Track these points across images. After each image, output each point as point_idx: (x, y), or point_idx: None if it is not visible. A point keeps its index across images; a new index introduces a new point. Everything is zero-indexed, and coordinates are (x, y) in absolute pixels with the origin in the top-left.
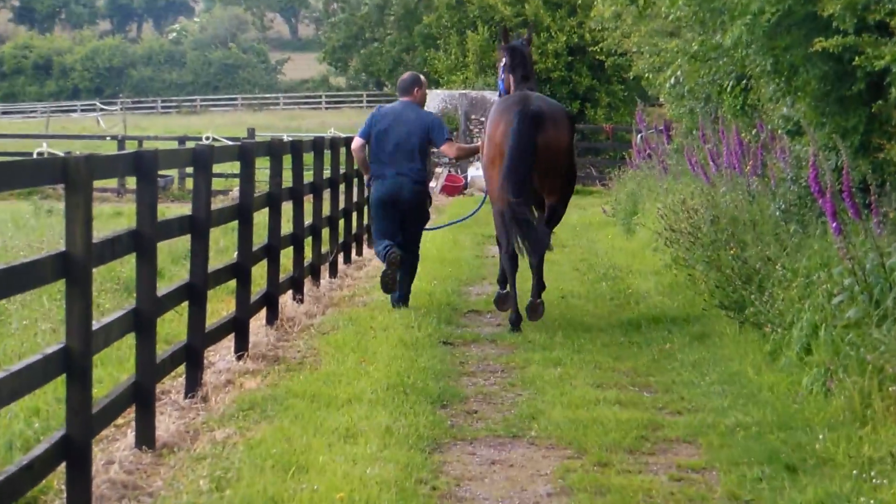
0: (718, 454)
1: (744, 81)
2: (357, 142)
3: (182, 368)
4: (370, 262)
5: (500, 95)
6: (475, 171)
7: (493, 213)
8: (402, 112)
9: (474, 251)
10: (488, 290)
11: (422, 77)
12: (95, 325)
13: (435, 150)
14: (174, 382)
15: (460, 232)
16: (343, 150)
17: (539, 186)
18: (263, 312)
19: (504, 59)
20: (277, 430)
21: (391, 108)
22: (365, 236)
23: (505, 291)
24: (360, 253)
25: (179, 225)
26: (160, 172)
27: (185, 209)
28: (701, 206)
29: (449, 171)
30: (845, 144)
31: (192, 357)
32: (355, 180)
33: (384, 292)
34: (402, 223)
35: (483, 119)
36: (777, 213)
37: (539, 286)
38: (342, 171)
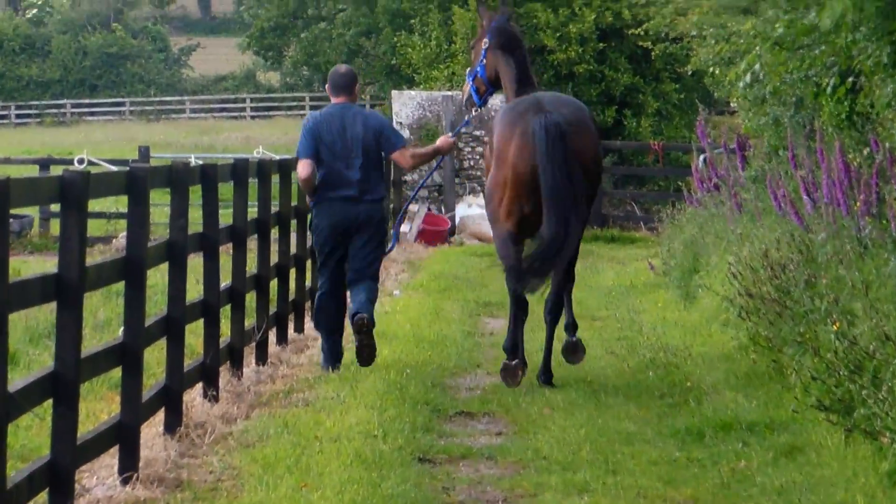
0: None
1: (850, 79)
2: (306, 166)
3: (44, 496)
4: (315, 342)
5: (472, 82)
6: (466, 210)
7: (494, 240)
8: (344, 117)
9: (465, 326)
10: (484, 381)
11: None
12: None
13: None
14: None
15: (446, 299)
16: (277, 179)
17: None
18: (161, 415)
19: (490, 42)
20: None
21: (328, 113)
22: (308, 304)
23: (514, 362)
24: (300, 329)
25: (41, 288)
26: (13, 211)
27: (49, 264)
28: (791, 261)
29: (428, 210)
30: None
31: (58, 479)
32: (293, 222)
33: (361, 365)
34: (356, 248)
35: (480, 133)
36: None
37: (572, 323)
38: (275, 209)
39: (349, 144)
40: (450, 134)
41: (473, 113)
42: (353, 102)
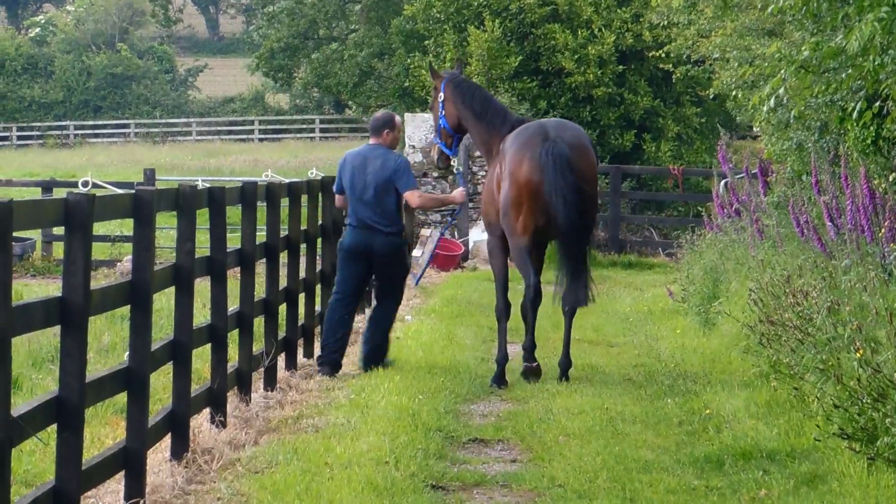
0: None
1: (877, 104)
2: (338, 200)
3: None
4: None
5: (441, 138)
6: (480, 235)
7: (512, 256)
8: (367, 157)
9: (478, 352)
10: (499, 408)
11: (397, 118)
12: None
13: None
14: None
15: (459, 325)
16: (286, 202)
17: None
18: (167, 441)
19: (445, 94)
20: None
21: (356, 153)
22: (318, 329)
23: (535, 364)
24: (309, 354)
25: (44, 311)
26: (16, 234)
27: (52, 288)
28: (813, 288)
29: (441, 235)
30: None
31: None
32: (303, 247)
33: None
34: (377, 275)
35: (475, 155)
36: None
37: (567, 344)
38: (284, 233)
39: (366, 181)
40: (461, 189)
41: (454, 163)
42: (385, 145)
